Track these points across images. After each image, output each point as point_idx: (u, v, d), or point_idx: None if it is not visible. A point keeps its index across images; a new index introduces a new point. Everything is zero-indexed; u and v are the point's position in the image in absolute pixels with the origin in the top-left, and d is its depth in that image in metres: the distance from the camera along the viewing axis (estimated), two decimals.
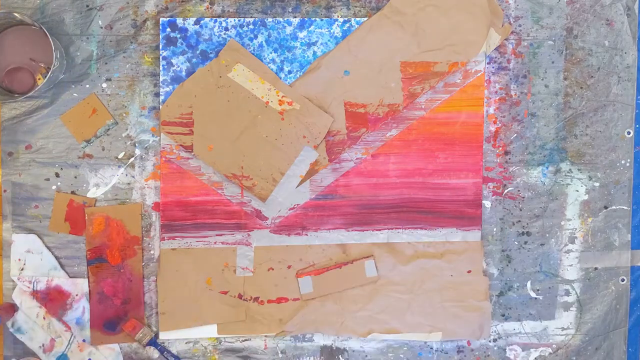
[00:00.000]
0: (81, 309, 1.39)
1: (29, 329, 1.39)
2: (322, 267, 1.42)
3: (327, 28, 1.40)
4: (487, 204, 1.45)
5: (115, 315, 1.39)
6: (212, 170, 1.39)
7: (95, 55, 1.38)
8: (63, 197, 1.38)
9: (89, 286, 1.39)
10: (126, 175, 1.40)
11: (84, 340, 1.40)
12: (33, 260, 1.38)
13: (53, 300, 1.39)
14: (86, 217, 1.38)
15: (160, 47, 1.37)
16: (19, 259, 1.38)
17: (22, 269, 1.38)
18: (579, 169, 1.46)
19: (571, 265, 1.47)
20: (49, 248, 1.38)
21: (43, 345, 1.39)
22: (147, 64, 1.39)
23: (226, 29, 1.38)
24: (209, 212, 1.40)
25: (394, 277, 1.42)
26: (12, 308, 1.38)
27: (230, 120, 1.38)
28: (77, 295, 1.39)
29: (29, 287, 1.38)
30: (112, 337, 1.40)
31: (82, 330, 1.39)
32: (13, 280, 1.38)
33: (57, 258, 1.38)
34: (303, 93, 1.39)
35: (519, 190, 1.45)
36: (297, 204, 1.41)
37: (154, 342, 1.40)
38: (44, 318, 1.39)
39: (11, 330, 1.38)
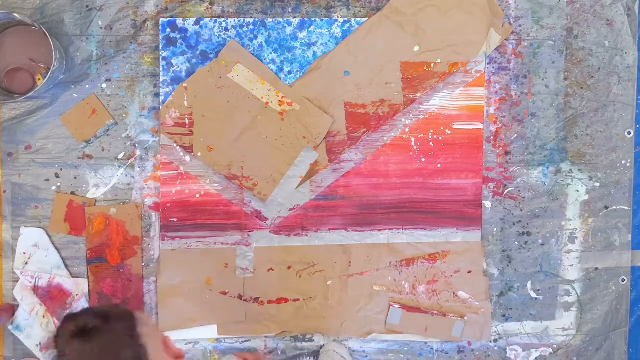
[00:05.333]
0: (80, 309, 1.39)
1: (28, 326, 1.39)
2: (414, 306, 1.42)
3: (327, 28, 1.40)
4: (487, 204, 1.44)
5: None
6: (212, 170, 1.39)
7: (95, 55, 1.38)
8: (63, 197, 1.38)
9: (88, 286, 1.39)
10: (126, 175, 1.39)
11: None
12: (38, 256, 1.38)
13: (53, 299, 1.38)
14: (86, 217, 1.38)
15: (160, 48, 1.37)
16: (24, 253, 1.37)
17: (26, 263, 1.38)
18: (579, 169, 1.45)
19: (572, 266, 1.46)
20: (54, 246, 1.38)
21: (40, 343, 1.39)
22: (147, 65, 1.39)
23: (226, 29, 1.38)
24: (208, 212, 1.40)
25: (395, 278, 1.42)
26: (12, 308, 1.38)
27: (230, 121, 1.38)
28: (77, 295, 1.39)
29: (30, 282, 1.38)
30: None
31: None
32: (13, 280, 1.38)
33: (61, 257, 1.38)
34: (303, 94, 1.39)
35: (519, 191, 1.45)
36: (297, 205, 1.41)
37: None
38: (43, 316, 1.38)
39: (10, 327, 1.38)
